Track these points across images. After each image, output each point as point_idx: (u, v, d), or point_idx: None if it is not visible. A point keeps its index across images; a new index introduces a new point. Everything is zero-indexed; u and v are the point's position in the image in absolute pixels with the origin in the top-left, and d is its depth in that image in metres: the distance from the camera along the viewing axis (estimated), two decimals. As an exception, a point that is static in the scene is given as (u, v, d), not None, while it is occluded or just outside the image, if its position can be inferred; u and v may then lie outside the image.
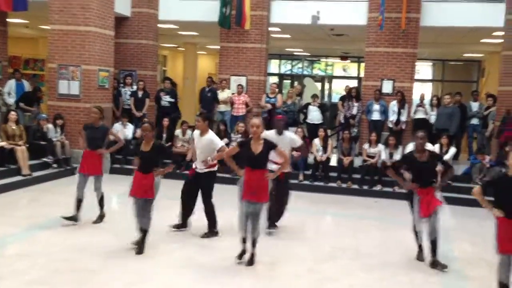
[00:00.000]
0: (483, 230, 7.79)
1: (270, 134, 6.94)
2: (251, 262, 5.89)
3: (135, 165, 6.35)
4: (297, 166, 10.08)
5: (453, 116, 11.06)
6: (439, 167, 6.70)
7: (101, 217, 7.33)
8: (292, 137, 7.27)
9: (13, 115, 9.81)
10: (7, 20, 12.08)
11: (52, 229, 6.86)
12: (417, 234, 6.24)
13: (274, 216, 7.15)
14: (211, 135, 6.80)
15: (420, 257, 6.30)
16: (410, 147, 9.99)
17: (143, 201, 6.10)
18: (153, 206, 6.17)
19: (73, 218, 7.07)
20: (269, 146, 5.83)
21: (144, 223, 6.13)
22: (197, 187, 6.90)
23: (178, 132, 11.37)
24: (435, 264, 6.04)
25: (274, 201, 6.90)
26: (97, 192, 7.25)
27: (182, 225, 7.07)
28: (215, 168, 6.90)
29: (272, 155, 6.18)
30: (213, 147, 6.72)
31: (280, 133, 7.01)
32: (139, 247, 6.12)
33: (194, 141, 7.02)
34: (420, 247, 6.32)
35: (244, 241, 5.91)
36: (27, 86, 11.88)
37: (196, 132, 6.91)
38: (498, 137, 10.63)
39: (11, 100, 11.32)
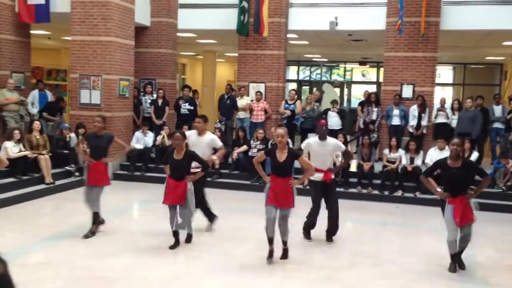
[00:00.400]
0: (506, 236, 7.68)
1: (313, 140, 6.92)
2: (284, 256, 6.21)
3: (166, 173, 6.55)
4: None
5: (475, 120, 10.92)
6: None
7: (92, 232, 6.96)
8: (334, 142, 6.98)
9: (37, 124, 9.99)
10: (30, 31, 12.34)
11: (74, 237, 6.92)
12: (451, 244, 5.92)
13: (309, 227, 7.14)
14: (211, 134, 7.14)
15: (452, 268, 6.01)
16: (431, 152, 9.91)
17: (178, 207, 6.38)
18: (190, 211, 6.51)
19: (99, 223, 7.09)
20: (293, 155, 6.03)
21: (182, 227, 6.50)
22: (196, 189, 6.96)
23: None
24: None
25: (313, 212, 6.99)
26: (92, 203, 6.90)
27: (211, 219, 7.37)
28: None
29: (316, 163, 6.58)
30: (213, 146, 7.12)
31: (323, 138, 6.81)
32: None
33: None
34: (453, 258, 6.01)
35: (271, 242, 6.06)
36: (50, 96, 12.12)
37: (192, 132, 7.07)
38: (522, 141, 10.46)
39: (34, 110, 11.57)
